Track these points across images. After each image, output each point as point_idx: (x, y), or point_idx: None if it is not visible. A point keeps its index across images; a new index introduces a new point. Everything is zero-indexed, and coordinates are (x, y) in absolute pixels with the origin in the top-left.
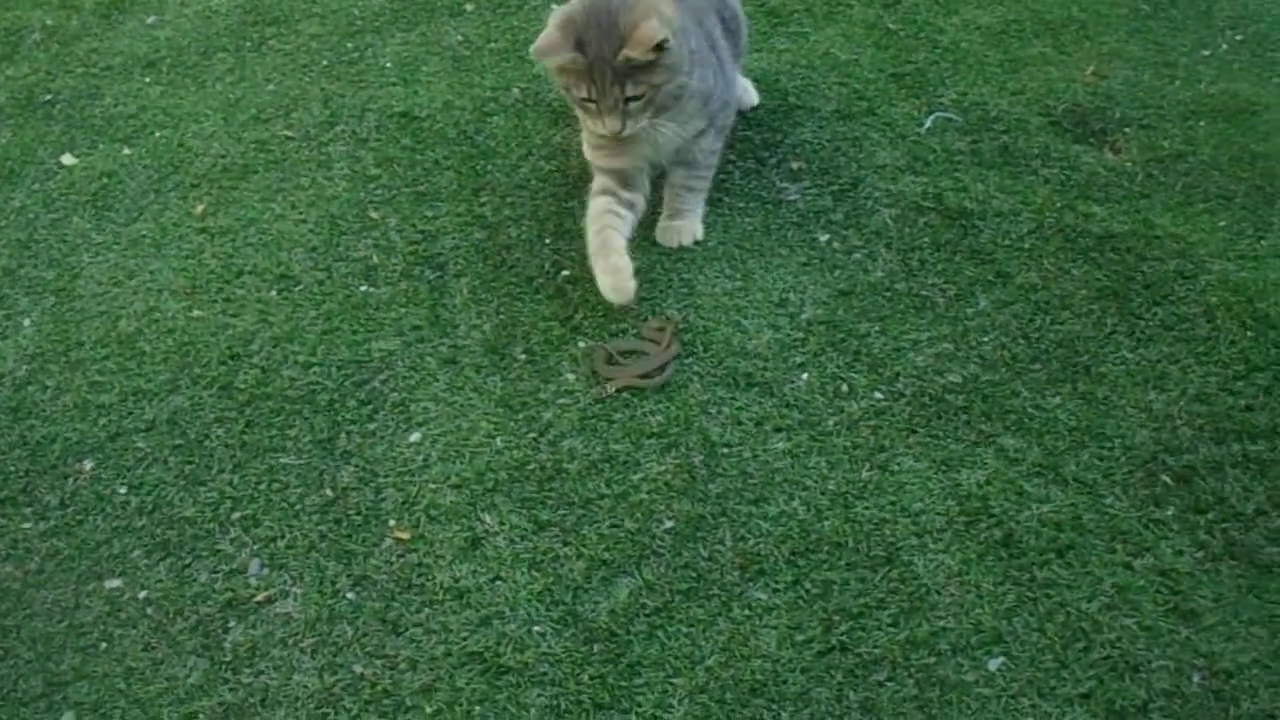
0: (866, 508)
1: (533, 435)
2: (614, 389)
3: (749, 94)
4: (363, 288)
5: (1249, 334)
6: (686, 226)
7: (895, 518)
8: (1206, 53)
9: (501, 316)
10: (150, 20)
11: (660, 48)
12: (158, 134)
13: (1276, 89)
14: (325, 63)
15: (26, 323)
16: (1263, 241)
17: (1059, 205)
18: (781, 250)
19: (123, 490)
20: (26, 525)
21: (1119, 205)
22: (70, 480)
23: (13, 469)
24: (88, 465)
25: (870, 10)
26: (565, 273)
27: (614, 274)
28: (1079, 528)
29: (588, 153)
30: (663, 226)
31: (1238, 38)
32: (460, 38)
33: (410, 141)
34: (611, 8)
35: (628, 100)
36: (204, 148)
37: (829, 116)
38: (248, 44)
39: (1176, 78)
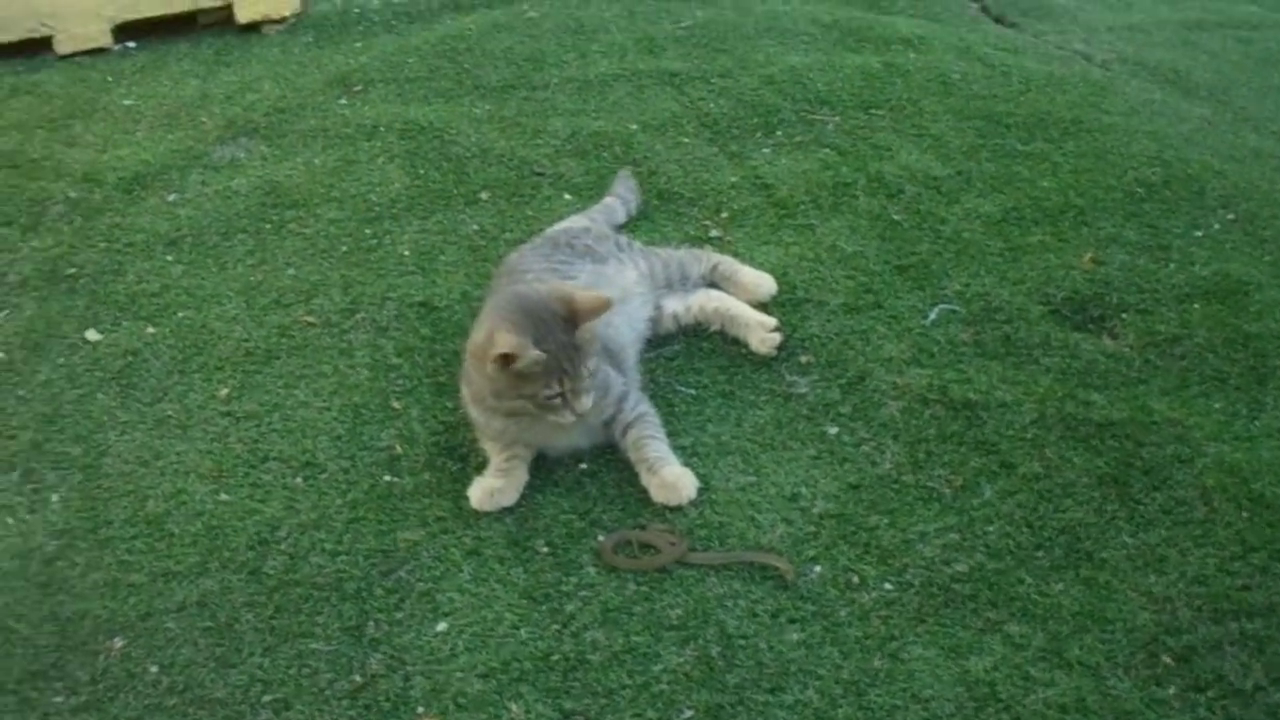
0: (878, 695)
1: (556, 626)
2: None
3: (766, 284)
4: (387, 477)
5: (1244, 515)
6: (682, 477)
7: (906, 704)
8: (1199, 233)
9: (522, 509)
10: (171, 198)
11: (608, 304)
12: (180, 314)
13: (1268, 267)
14: (344, 249)
15: (54, 498)
16: (1256, 422)
17: (1060, 394)
18: (792, 444)
19: (154, 669)
20: (58, 699)
21: (1118, 392)
22: (101, 657)
23: (43, 643)
24: (118, 643)
25: (875, 201)
26: (583, 466)
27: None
28: (1084, 710)
29: (508, 453)
30: (657, 485)
31: (1229, 216)
32: (476, 227)
33: (430, 331)
34: (537, 300)
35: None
36: (227, 330)
37: (837, 309)
38: (267, 226)
39: (1171, 260)
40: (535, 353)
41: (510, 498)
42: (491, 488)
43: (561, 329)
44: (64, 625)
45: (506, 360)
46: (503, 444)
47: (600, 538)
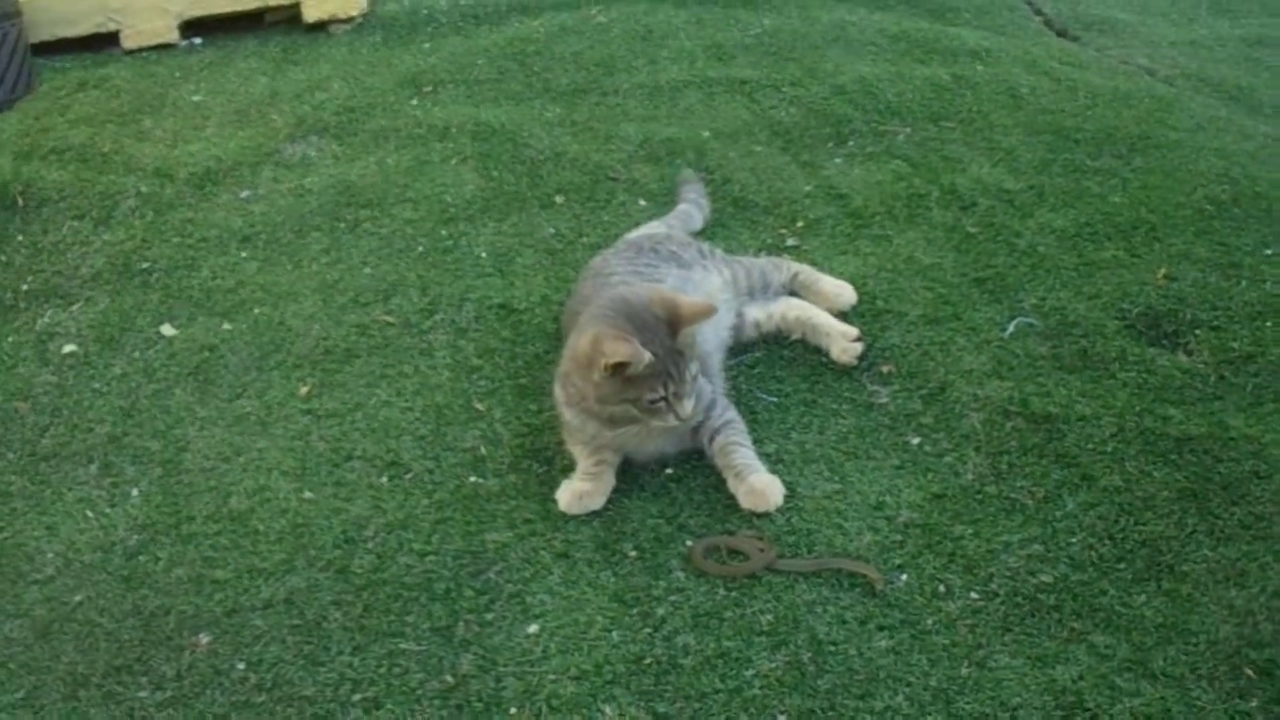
0: (967, 703)
1: (648, 630)
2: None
3: (846, 293)
4: (472, 478)
5: None
6: (770, 484)
7: (995, 713)
8: (1269, 251)
9: (610, 513)
10: (244, 195)
11: (713, 310)
12: (257, 310)
13: None
14: (421, 249)
15: (134, 492)
16: None
17: (1138, 409)
18: (876, 453)
19: (241, 666)
20: (142, 694)
21: (1194, 407)
22: (186, 653)
23: (127, 638)
24: (204, 639)
25: (948, 213)
26: (669, 471)
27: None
28: None
29: (596, 457)
30: (744, 492)
31: None
32: (553, 230)
33: (510, 334)
34: (639, 304)
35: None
36: (304, 328)
37: (916, 321)
38: (342, 225)
39: (1242, 278)
40: (648, 356)
41: (598, 501)
42: (580, 491)
43: (665, 333)
44: (148, 620)
45: (619, 366)
46: (591, 448)
47: (689, 543)
